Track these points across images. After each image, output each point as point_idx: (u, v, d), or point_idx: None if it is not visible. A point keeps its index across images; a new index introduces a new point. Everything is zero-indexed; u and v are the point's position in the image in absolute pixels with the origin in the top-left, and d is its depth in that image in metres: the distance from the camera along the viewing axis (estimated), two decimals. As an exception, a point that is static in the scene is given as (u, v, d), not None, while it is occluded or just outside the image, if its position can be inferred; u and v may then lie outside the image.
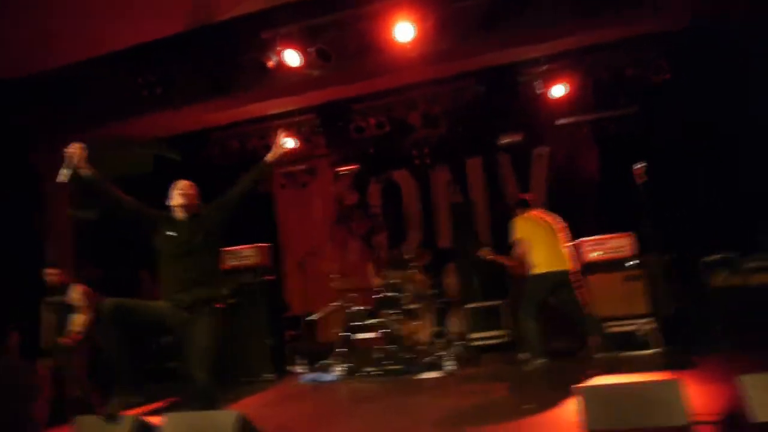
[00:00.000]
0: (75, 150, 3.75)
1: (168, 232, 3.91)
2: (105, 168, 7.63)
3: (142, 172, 8.11)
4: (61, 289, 5.82)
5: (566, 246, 5.83)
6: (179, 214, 4.00)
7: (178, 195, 4.00)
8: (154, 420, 3.51)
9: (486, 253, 6.18)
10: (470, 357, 6.94)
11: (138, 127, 7.28)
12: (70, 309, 5.75)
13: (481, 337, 7.21)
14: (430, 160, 8.57)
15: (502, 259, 6.13)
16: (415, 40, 5.63)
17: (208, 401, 3.62)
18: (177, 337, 3.90)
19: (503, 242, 6.11)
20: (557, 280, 5.64)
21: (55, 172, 6.97)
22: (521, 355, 6.02)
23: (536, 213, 6.01)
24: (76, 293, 5.74)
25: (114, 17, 5.42)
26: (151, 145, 8.31)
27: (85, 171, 3.78)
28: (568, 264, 5.71)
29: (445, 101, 7.88)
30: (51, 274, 5.85)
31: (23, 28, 5.27)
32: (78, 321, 5.66)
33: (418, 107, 7.98)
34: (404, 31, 5.54)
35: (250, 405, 5.61)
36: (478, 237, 7.85)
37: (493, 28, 5.81)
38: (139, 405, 3.74)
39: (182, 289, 3.80)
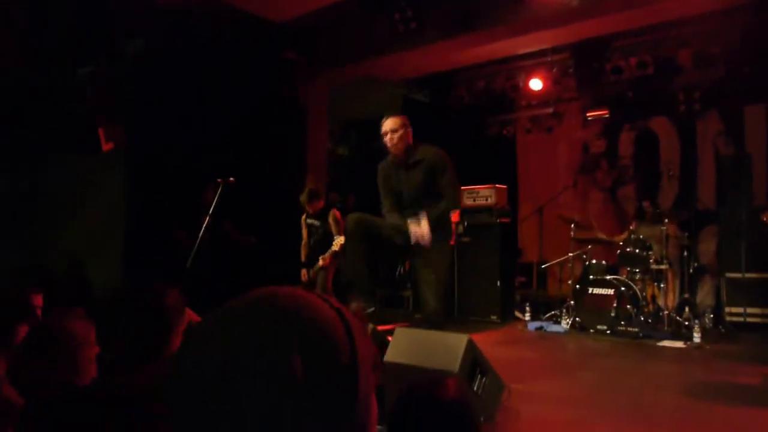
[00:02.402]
0: None
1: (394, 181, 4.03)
2: (356, 108, 8.19)
3: (391, 112, 8.42)
4: (319, 214, 6.09)
5: None
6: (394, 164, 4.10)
7: (388, 143, 4.10)
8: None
9: None
10: (723, 333, 6.12)
11: (389, 66, 7.49)
12: (323, 231, 6.05)
13: (741, 313, 6.25)
14: (700, 106, 7.47)
15: None
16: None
17: (436, 328, 3.70)
18: (412, 264, 4.07)
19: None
20: None
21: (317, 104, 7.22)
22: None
23: None
24: (331, 218, 5.96)
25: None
26: (400, 85, 8.58)
27: None
28: None
29: (727, 37, 6.73)
30: (313, 205, 6.06)
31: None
32: (337, 242, 5.75)
33: (692, 44, 6.95)
34: (688, -52, 4.75)
35: (476, 342, 5.66)
36: (754, 198, 6.66)
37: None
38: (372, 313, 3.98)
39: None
